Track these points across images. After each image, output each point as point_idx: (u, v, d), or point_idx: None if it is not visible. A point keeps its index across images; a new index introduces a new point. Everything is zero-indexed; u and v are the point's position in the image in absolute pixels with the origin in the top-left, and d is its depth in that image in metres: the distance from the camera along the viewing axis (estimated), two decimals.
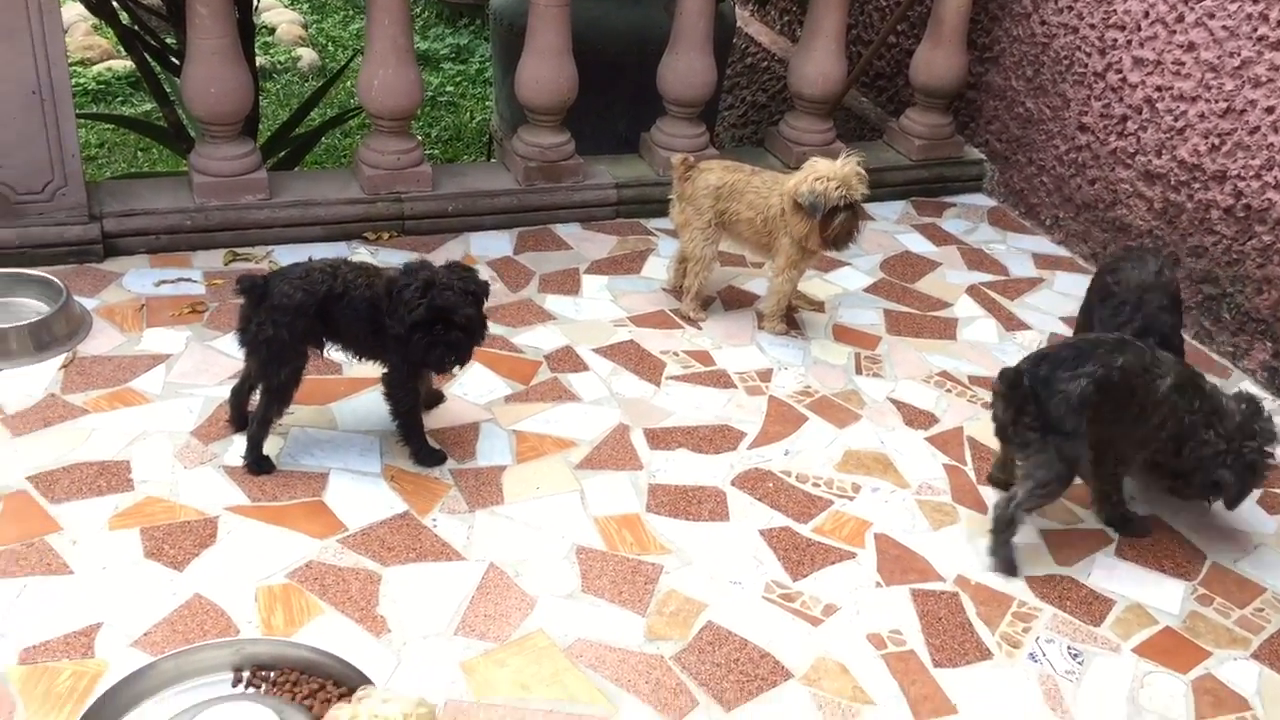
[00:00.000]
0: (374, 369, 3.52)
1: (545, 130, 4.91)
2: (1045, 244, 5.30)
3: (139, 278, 4.27)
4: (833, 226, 4.03)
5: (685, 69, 5.01)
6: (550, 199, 4.96)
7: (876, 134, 6.03)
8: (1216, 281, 4.50)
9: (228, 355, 3.84)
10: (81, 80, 7.81)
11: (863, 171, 4.05)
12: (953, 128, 5.68)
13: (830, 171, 4.02)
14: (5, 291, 3.97)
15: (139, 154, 7.21)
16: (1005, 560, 3.28)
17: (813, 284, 4.73)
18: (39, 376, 3.67)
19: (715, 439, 3.76)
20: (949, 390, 4.12)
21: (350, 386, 3.78)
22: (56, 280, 3.96)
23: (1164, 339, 3.58)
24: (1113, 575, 3.34)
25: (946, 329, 4.50)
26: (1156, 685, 2.98)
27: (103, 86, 7.84)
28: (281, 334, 3.23)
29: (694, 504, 3.46)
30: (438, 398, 3.77)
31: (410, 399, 3.46)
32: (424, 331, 3.18)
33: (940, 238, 5.26)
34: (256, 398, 3.42)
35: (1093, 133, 5.04)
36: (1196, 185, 4.54)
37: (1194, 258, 4.58)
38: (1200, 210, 4.54)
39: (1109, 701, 2.92)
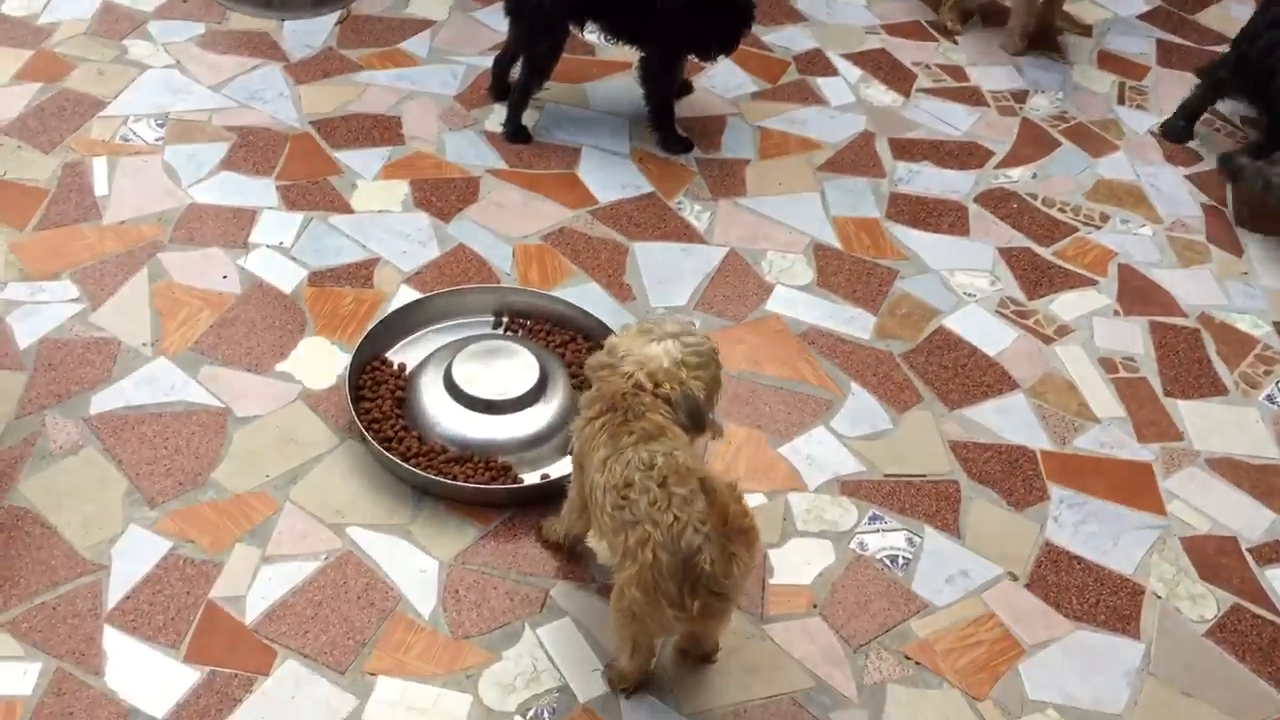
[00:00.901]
0: (629, 53, 3.56)
1: None
2: None
3: None
4: None
5: None
6: None
7: None
8: None
9: (489, 26, 3.93)
10: None
11: None
12: None
13: None
14: None
15: None
16: None
17: (1081, 5, 4.44)
18: (317, 29, 3.86)
19: (961, 155, 3.69)
20: (1218, 129, 3.89)
21: (603, 69, 3.83)
22: None
23: None
24: None
25: None
26: None
27: None
28: (545, 4, 3.28)
29: (934, 215, 3.45)
30: (686, 88, 3.80)
31: (667, 85, 3.50)
32: (702, 17, 3.17)
33: None
34: (517, 70, 3.52)
35: None
36: None
37: None
38: None
39: None
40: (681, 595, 1.96)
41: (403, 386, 2.74)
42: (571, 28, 3.42)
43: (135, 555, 2.40)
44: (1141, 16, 4.43)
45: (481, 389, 2.65)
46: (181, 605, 2.33)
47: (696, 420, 2.13)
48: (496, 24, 3.87)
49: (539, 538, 2.49)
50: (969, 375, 2.99)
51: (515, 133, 3.51)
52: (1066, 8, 4.39)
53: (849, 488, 2.69)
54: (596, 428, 2.13)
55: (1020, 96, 3.97)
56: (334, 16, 3.90)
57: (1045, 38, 4.13)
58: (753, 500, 2.60)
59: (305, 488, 2.54)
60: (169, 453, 2.58)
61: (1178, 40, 4.32)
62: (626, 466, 2.04)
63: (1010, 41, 4.14)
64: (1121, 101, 3.99)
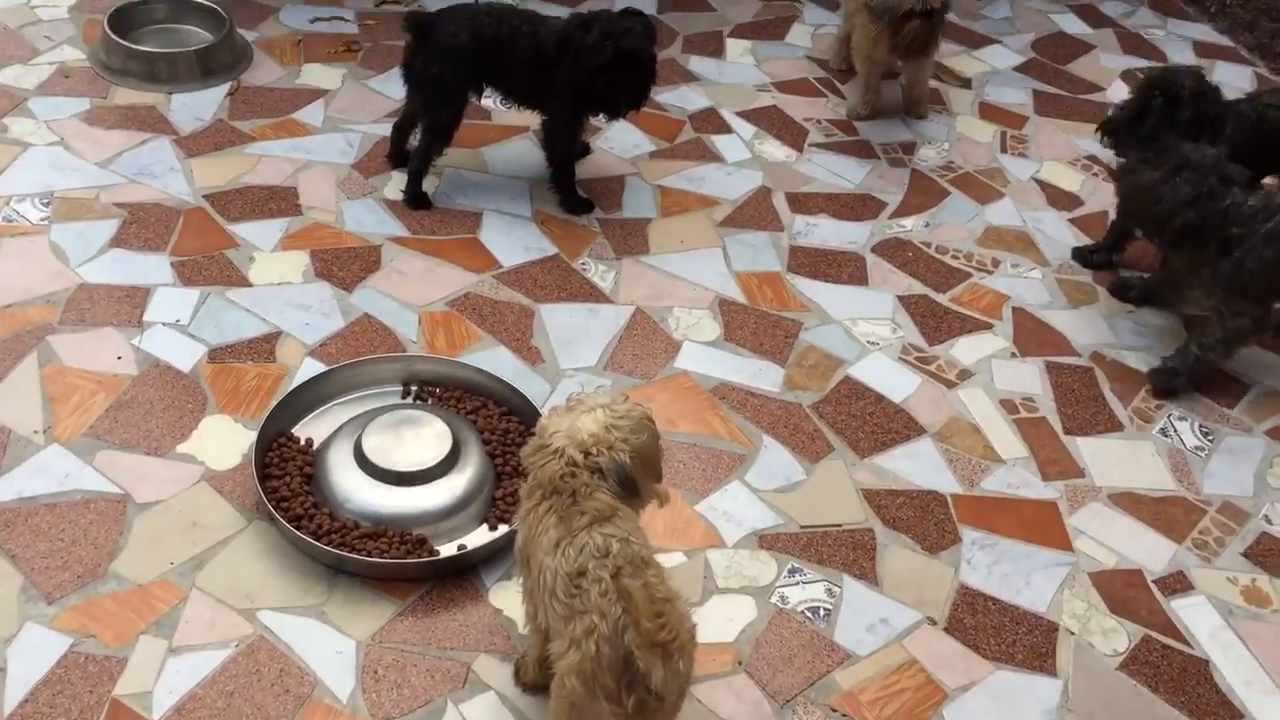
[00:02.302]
0: (526, 117, 3.58)
1: None
2: (1207, 31, 5.06)
3: (294, 13, 4.32)
4: (904, 32, 3.79)
5: None
6: None
7: None
8: None
9: (383, 95, 3.92)
10: None
11: None
12: None
13: None
14: (172, 18, 4.07)
15: None
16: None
17: (960, 60, 4.61)
18: (206, 102, 3.80)
19: (856, 207, 3.78)
20: (1095, 174, 4.05)
21: (501, 133, 3.85)
22: (220, 9, 4.03)
23: None
24: (1253, 362, 3.35)
25: (1098, 113, 4.35)
26: None
27: None
28: (446, 73, 3.29)
29: (834, 267, 3.52)
30: (585, 149, 3.83)
31: (567, 147, 3.52)
32: (610, 76, 3.21)
33: (1097, 19, 5.05)
34: (417, 136, 3.51)
35: None
36: None
37: None
38: None
39: (1236, 478, 2.99)
40: (619, 691, 1.91)
41: (311, 462, 2.67)
42: (470, 94, 3.43)
43: (33, 655, 2.29)
44: (1017, 68, 4.61)
45: (393, 460, 2.61)
46: (85, 705, 2.22)
47: (629, 487, 2.10)
48: (391, 91, 3.87)
49: (519, 681, 2.35)
50: (877, 423, 3.04)
51: (416, 199, 3.49)
52: (947, 62, 4.56)
53: (767, 541, 2.70)
54: (542, 513, 2.08)
55: (909, 148, 4.09)
56: (224, 88, 3.85)
57: (916, 106, 4.24)
58: (672, 559, 2.61)
59: (212, 573, 2.46)
60: (66, 544, 2.48)
61: (1052, 90, 4.50)
62: (580, 552, 1.99)
63: (851, 108, 4.22)
64: (1004, 150, 4.13)
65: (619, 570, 1.98)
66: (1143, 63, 4.75)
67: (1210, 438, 3.10)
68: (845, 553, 2.69)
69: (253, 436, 2.69)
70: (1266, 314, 3.09)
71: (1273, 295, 3.07)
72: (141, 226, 3.28)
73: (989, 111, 4.34)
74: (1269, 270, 2.97)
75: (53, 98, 3.71)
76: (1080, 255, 3.65)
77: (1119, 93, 4.50)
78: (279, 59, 4.06)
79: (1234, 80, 4.69)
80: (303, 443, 2.73)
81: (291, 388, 2.82)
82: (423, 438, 2.66)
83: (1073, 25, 4.98)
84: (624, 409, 2.13)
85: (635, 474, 2.11)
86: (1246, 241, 2.97)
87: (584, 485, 2.06)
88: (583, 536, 2.03)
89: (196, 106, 3.77)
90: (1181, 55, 4.85)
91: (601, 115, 3.46)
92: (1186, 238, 3.08)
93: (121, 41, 3.81)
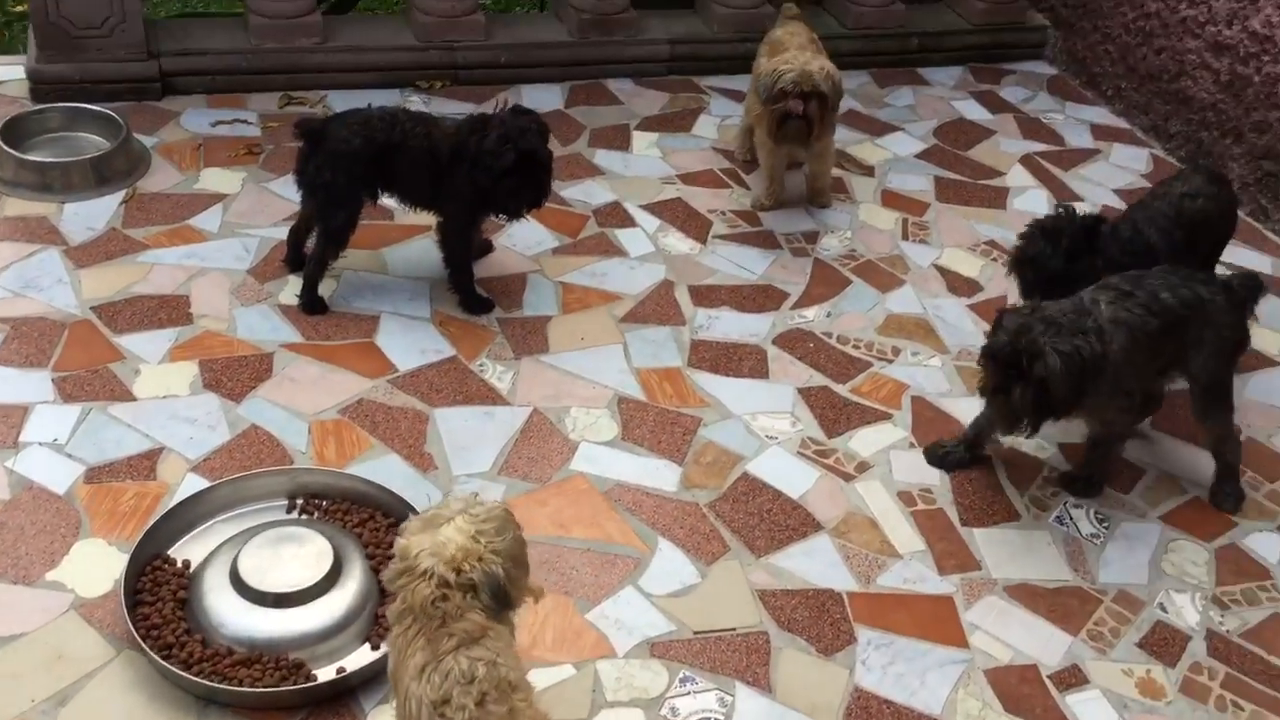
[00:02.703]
0: (427, 217, 3.57)
1: None
2: (1105, 114, 5.19)
3: (196, 117, 4.31)
4: (776, 109, 3.82)
5: None
6: (603, 52, 4.91)
7: None
8: (1277, 158, 4.40)
9: (283, 197, 3.90)
10: None
11: (831, 72, 3.82)
12: None
13: (795, 60, 3.81)
14: (66, 126, 4.04)
15: None
16: None
17: (863, 148, 4.68)
18: (100, 210, 3.76)
19: (758, 298, 3.79)
20: (995, 259, 4.11)
21: (402, 233, 3.83)
22: (116, 116, 4.01)
23: None
24: (1147, 446, 3.38)
25: (997, 198, 4.46)
26: (1180, 552, 3.05)
27: None
28: (339, 179, 3.28)
29: (734, 361, 3.52)
30: (487, 248, 3.83)
31: (464, 248, 3.52)
32: (511, 178, 3.22)
33: (997, 105, 5.16)
34: (313, 240, 3.48)
35: (1163, 0, 4.88)
36: (1266, 58, 4.40)
37: (1256, 133, 4.48)
38: (1267, 84, 4.41)
39: (1131, 565, 2.99)
40: None
41: (186, 586, 2.60)
42: (366, 198, 3.42)
43: None
44: (919, 155, 4.69)
45: (269, 581, 2.54)
46: None
47: (502, 599, 2.06)
48: (291, 194, 3.83)
49: None
50: (774, 520, 3.01)
51: (311, 304, 3.46)
52: (850, 150, 4.63)
53: (659, 649, 2.65)
54: (410, 636, 2.03)
55: (812, 237, 4.12)
56: (119, 195, 3.82)
57: (819, 196, 4.28)
58: (561, 673, 2.56)
59: (76, 709, 2.36)
60: None
61: (953, 176, 4.57)
62: (446, 678, 1.94)
63: (755, 199, 4.25)
64: (905, 237, 4.18)
65: (484, 697, 1.93)
66: (1041, 147, 4.85)
67: (1106, 525, 3.10)
68: (738, 658, 2.65)
69: (126, 560, 2.61)
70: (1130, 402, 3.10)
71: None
72: (23, 342, 3.22)
73: (891, 199, 4.40)
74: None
75: None
76: None
77: (1018, 177, 4.60)
78: (178, 164, 4.04)
79: (1131, 162, 4.81)
80: (179, 565, 2.66)
81: (169, 507, 2.75)
82: (302, 555, 2.60)
83: (973, 111, 5.09)
84: (484, 511, 2.09)
85: (509, 585, 2.07)
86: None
87: (456, 607, 2.01)
88: (448, 661, 1.98)
89: (89, 216, 3.73)
90: (1079, 138, 4.96)
91: (502, 216, 3.46)
92: None
93: (12, 152, 3.77)
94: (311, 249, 3.47)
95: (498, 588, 2.04)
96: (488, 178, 3.24)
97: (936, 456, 3.23)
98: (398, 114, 3.35)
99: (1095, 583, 2.93)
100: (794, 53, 3.91)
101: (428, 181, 3.37)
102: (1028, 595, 2.88)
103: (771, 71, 3.82)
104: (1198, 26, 4.72)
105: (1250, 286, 3.12)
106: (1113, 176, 4.71)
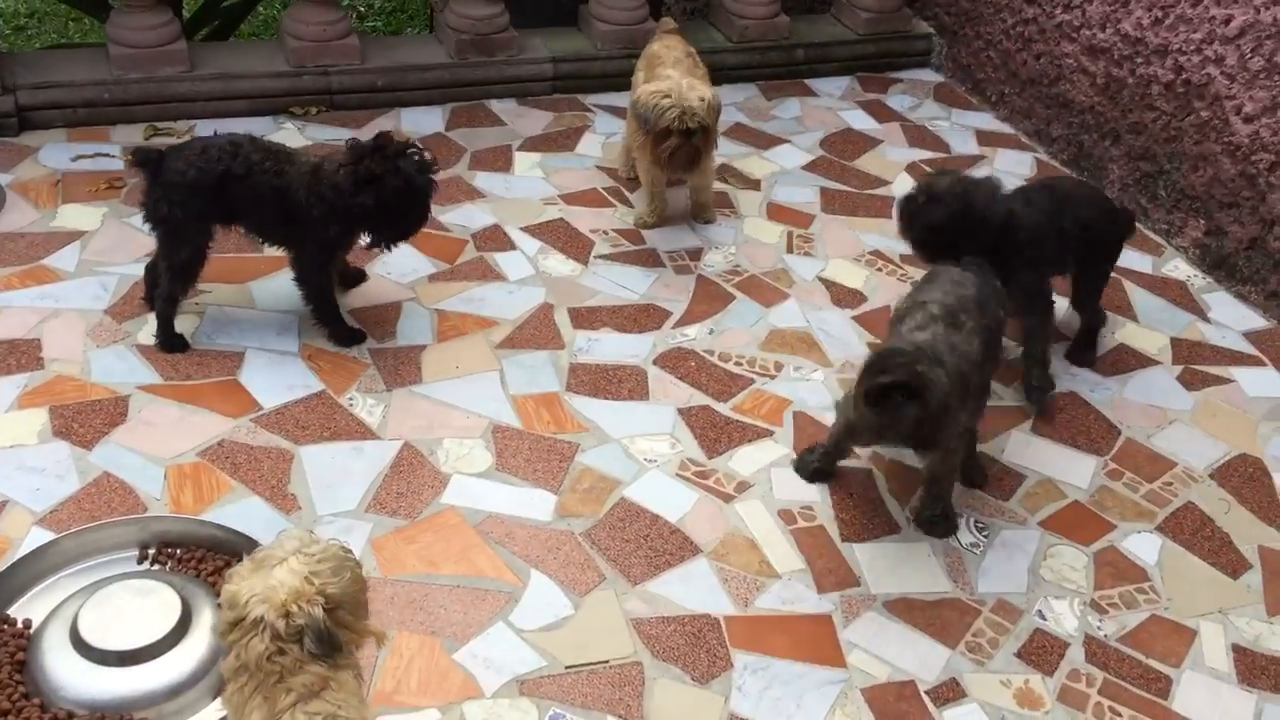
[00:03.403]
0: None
1: (478, 1, 4.76)
2: (990, 120, 5.23)
3: (55, 152, 4.16)
4: (663, 147, 3.79)
5: None
6: (484, 73, 4.83)
7: (827, 6, 5.88)
8: (1154, 159, 4.46)
9: (145, 232, 3.74)
10: None
11: (711, 101, 3.78)
12: (900, 0, 5.54)
13: (675, 90, 3.76)
14: None
15: (70, 24, 6.97)
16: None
17: (749, 161, 4.66)
18: None
19: (640, 318, 3.74)
20: (880, 269, 4.10)
21: (269, 265, 3.72)
22: None
23: None
24: (1026, 451, 3.38)
25: (883, 207, 4.46)
26: (1059, 557, 3.04)
27: None
28: (176, 212, 3.16)
29: (614, 383, 3.45)
30: (360, 277, 3.73)
31: (322, 282, 3.41)
32: (405, 206, 3.18)
33: (884, 114, 5.17)
34: None
35: (1039, 5, 4.93)
36: (1139, 60, 4.46)
37: (1133, 134, 4.53)
38: (1141, 86, 4.47)
39: (1010, 573, 2.98)
40: None
41: (25, 647, 2.46)
42: (217, 231, 3.30)
43: None
44: (805, 167, 4.68)
45: (111, 638, 2.41)
46: None
47: (328, 644, 1.96)
48: None
49: None
50: (651, 546, 2.95)
51: (169, 342, 3.33)
52: (736, 164, 4.60)
53: (529, 687, 2.57)
54: (247, 693, 1.93)
55: (695, 254, 4.08)
56: None
57: (702, 212, 4.24)
58: (424, 718, 2.46)
59: None
60: None
61: (839, 186, 4.56)
62: None
63: (638, 217, 4.20)
64: (790, 250, 4.16)
65: None
66: (928, 155, 4.87)
67: (985, 533, 3.09)
68: (611, 691, 2.57)
69: None
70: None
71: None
72: None
73: (777, 212, 4.37)
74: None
75: None
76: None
77: (904, 186, 4.59)
78: (34, 201, 3.89)
79: (1015, 167, 4.85)
80: (19, 625, 2.52)
81: (9, 563, 2.61)
82: (148, 609, 2.48)
83: (860, 121, 5.09)
84: (318, 550, 1.99)
85: (333, 629, 1.96)
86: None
87: (294, 661, 1.91)
88: (285, 718, 1.88)
89: None
90: (964, 145, 4.99)
91: (377, 245, 3.35)
92: None
93: None
94: (160, 286, 3.34)
95: (320, 632, 1.94)
96: (374, 207, 3.16)
97: (805, 467, 3.20)
98: (241, 143, 3.21)
99: (974, 593, 2.91)
100: (671, 75, 3.86)
101: (277, 217, 3.25)
102: (906, 609, 2.85)
103: (652, 105, 3.76)
104: (1073, 31, 4.77)
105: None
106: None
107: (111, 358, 3.30)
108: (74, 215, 3.84)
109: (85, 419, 3.09)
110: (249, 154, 3.17)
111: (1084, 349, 3.73)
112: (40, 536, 2.74)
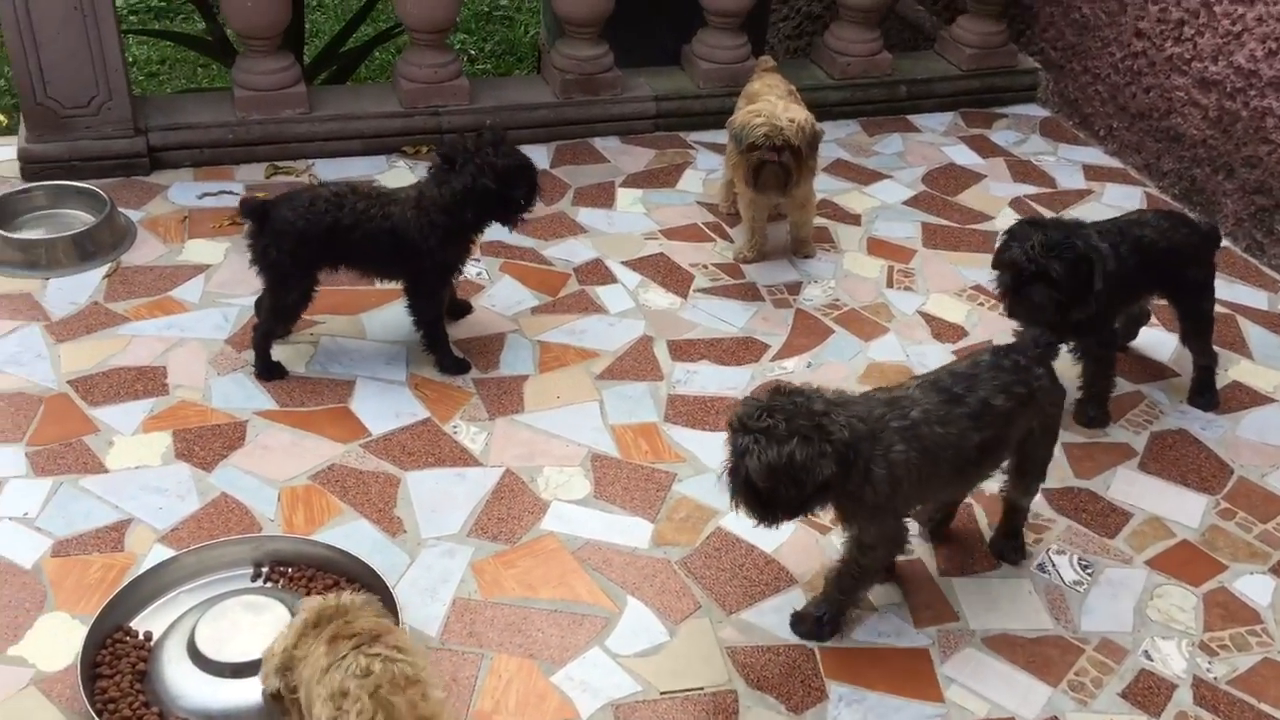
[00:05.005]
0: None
1: (582, 42, 4.88)
2: (1098, 155, 5.15)
3: (183, 190, 4.38)
4: (750, 164, 3.82)
5: None
6: (588, 112, 4.94)
7: (930, 43, 5.87)
8: (1270, 193, 4.34)
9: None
10: None
11: (802, 123, 3.78)
12: (1006, 35, 5.51)
13: (768, 110, 3.82)
14: (53, 203, 4.11)
15: (199, 70, 7.32)
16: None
17: (850, 197, 4.67)
18: (83, 285, 3.81)
19: (738, 351, 3.77)
20: (981, 304, 4.06)
21: (380, 297, 3.85)
22: (101, 192, 4.08)
23: None
24: (1133, 489, 3.30)
25: (985, 242, 4.42)
26: (1167, 597, 2.97)
27: (165, 3, 7.94)
28: (284, 259, 3.31)
29: (712, 414, 3.49)
30: (466, 308, 3.84)
31: (435, 309, 3.52)
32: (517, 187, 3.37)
33: (987, 149, 5.14)
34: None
35: (1149, 38, 4.86)
36: (1253, 92, 4.36)
37: (1248, 168, 4.43)
38: (1255, 118, 4.37)
39: (1115, 612, 2.91)
40: None
41: (145, 658, 2.58)
42: (321, 273, 3.43)
43: None
44: (906, 202, 4.67)
45: (226, 651, 2.52)
46: None
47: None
48: None
49: None
50: (747, 575, 2.96)
51: (267, 370, 3.47)
52: (838, 200, 4.62)
53: (624, 712, 2.60)
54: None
55: (794, 288, 4.10)
56: (103, 270, 3.87)
57: (802, 246, 4.27)
58: None
59: None
60: None
61: (941, 221, 4.54)
62: (344, 674, 1.99)
63: (738, 251, 4.24)
64: (890, 285, 4.15)
65: (377, 689, 1.98)
66: (1033, 189, 4.82)
67: (1089, 571, 3.03)
68: (705, 718, 2.59)
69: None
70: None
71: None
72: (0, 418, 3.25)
73: (877, 247, 4.37)
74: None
75: None
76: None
77: (1007, 221, 4.55)
78: (163, 237, 4.09)
79: (1123, 201, 4.77)
80: (140, 637, 2.65)
81: (132, 578, 2.74)
82: (261, 625, 2.58)
83: (963, 156, 5.07)
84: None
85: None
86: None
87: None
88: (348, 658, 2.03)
89: (72, 290, 3.78)
90: (1071, 179, 4.93)
91: (504, 223, 3.48)
92: None
93: None
94: (260, 321, 3.48)
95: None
96: (487, 201, 3.32)
97: None
98: (345, 194, 3.35)
99: (1077, 631, 2.86)
100: (765, 101, 3.92)
101: (390, 255, 3.38)
102: (1006, 646, 2.81)
103: (744, 123, 3.83)
104: (1184, 64, 4.69)
105: (1049, 345, 2.88)
106: (1105, 216, 4.63)
107: (231, 385, 3.45)
108: (199, 250, 4.04)
109: (206, 442, 3.23)
110: (354, 203, 3.30)
111: (1203, 391, 3.64)
112: (162, 553, 2.87)
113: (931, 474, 2.59)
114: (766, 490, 2.39)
